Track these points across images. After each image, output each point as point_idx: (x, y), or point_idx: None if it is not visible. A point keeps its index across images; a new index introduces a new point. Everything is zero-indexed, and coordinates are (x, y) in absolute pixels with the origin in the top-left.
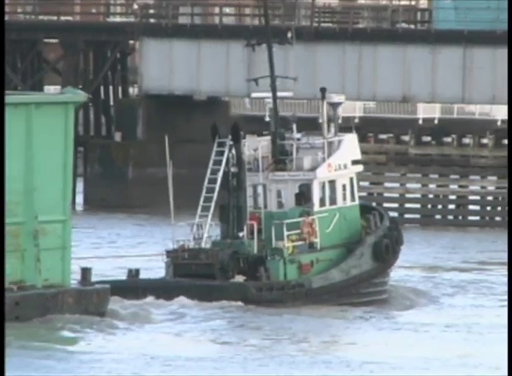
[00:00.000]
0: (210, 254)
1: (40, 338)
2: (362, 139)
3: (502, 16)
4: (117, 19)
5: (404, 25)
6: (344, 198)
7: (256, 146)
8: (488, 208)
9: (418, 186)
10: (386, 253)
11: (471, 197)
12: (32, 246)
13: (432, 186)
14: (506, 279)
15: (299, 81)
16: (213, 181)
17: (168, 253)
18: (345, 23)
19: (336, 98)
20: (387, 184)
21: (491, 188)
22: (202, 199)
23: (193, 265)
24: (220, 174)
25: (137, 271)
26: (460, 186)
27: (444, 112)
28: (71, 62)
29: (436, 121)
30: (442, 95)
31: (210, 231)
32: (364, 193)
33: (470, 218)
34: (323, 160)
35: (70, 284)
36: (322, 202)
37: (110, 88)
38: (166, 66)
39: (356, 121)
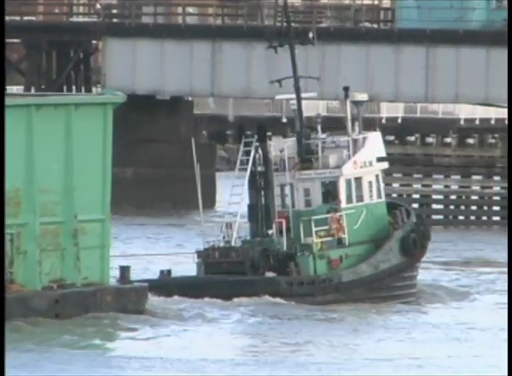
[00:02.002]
0: (241, 252)
1: (80, 335)
2: None
3: (465, 16)
4: (80, 19)
5: (367, 24)
6: (371, 195)
7: (282, 147)
8: (452, 207)
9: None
10: (414, 247)
11: (435, 196)
12: (72, 245)
13: (395, 185)
14: (468, 280)
15: (260, 81)
16: (240, 180)
17: (199, 253)
18: (308, 23)
19: (359, 96)
20: None
21: (454, 187)
22: (230, 198)
23: (224, 264)
24: (247, 173)
25: (169, 271)
26: (424, 185)
27: (407, 111)
28: (34, 62)
29: (399, 120)
30: (405, 94)
31: (239, 231)
32: None
33: (434, 217)
34: (349, 158)
35: (109, 282)
36: (349, 199)
37: (73, 88)
38: (129, 66)
39: (318, 120)
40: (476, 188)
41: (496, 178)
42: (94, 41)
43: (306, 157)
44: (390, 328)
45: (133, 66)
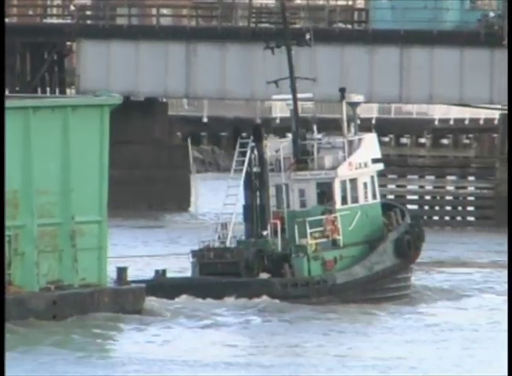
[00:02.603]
0: (236, 253)
1: (76, 336)
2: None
3: (439, 16)
4: (54, 20)
5: (341, 25)
6: (366, 196)
7: (277, 147)
8: (426, 208)
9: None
10: (408, 249)
11: (409, 197)
12: (69, 246)
13: None
14: (445, 281)
15: (234, 82)
16: (236, 181)
17: (194, 253)
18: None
19: (355, 98)
20: None
21: (429, 187)
22: (225, 199)
23: (219, 264)
24: (243, 174)
25: (164, 271)
26: (398, 186)
27: (381, 112)
28: (8, 64)
29: (374, 121)
30: (380, 94)
31: (234, 231)
32: None
33: None
34: (344, 159)
35: (107, 284)
36: (343, 200)
37: (48, 89)
38: (103, 68)
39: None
40: (450, 188)
41: (471, 178)
42: (68, 43)
43: (302, 158)
44: (364, 330)
45: (107, 68)
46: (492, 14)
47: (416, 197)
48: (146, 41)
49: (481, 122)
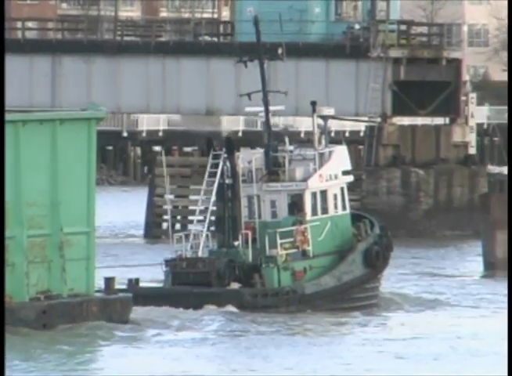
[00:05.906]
0: (207, 263)
1: (65, 345)
2: (167, 152)
3: (304, 28)
4: None
5: (207, 38)
6: (336, 207)
7: (250, 158)
8: None
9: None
10: (376, 259)
11: None
12: (58, 257)
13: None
14: None
15: (100, 94)
16: (208, 192)
17: (167, 262)
18: (148, 37)
19: (326, 111)
20: (192, 197)
21: None
22: (198, 210)
23: (191, 274)
24: (215, 185)
25: (137, 280)
26: None
27: (248, 124)
28: None
29: (240, 134)
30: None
31: (206, 241)
32: (169, 206)
33: None
34: (315, 171)
35: (95, 293)
36: (314, 211)
37: None
38: None
39: (160, 134)
40: None
41: None
42: None
43: (273, 170)
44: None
45: None
46: (357, 26)
47: None
48: (11, 54)
49: (347, 134)
